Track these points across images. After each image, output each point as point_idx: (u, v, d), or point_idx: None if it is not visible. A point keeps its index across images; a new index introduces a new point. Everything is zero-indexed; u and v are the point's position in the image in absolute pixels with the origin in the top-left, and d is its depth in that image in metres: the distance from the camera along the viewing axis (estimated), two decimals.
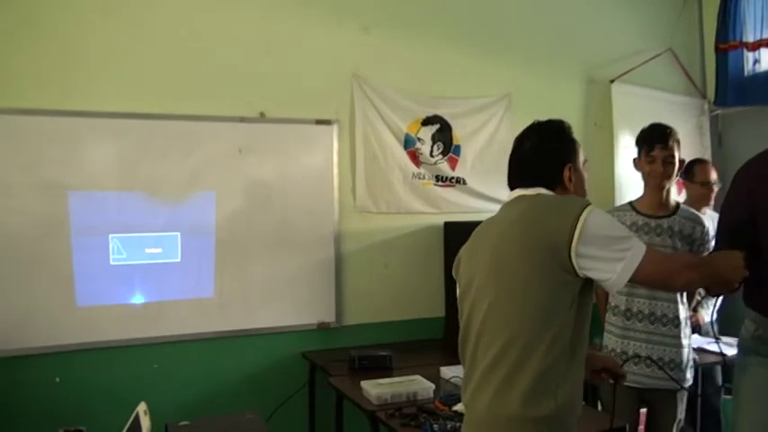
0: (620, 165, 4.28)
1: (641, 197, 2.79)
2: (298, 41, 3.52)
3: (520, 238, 1.59)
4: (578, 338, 1.57)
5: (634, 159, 2.77)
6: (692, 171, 3.48)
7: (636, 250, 1.53)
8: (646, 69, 4.37)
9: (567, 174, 1.71)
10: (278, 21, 3.49)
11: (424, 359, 3.26)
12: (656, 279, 1.62)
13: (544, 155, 1.74)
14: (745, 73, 4.33)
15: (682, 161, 2.69)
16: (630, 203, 2.79)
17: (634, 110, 4.24)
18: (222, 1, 3.39)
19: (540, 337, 1.51)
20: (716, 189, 3.46)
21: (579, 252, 1.50)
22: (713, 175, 3.47)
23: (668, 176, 2.64)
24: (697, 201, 3.39)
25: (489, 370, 1.57)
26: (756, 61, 4.29)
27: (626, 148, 4.16)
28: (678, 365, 2.62)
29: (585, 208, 1.56)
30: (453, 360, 3.13)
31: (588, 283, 1.57)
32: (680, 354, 2.63)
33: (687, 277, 1.65)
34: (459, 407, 2.40)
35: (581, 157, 1.78)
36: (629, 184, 4.13)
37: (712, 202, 3.47)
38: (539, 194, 1.69)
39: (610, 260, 1.52)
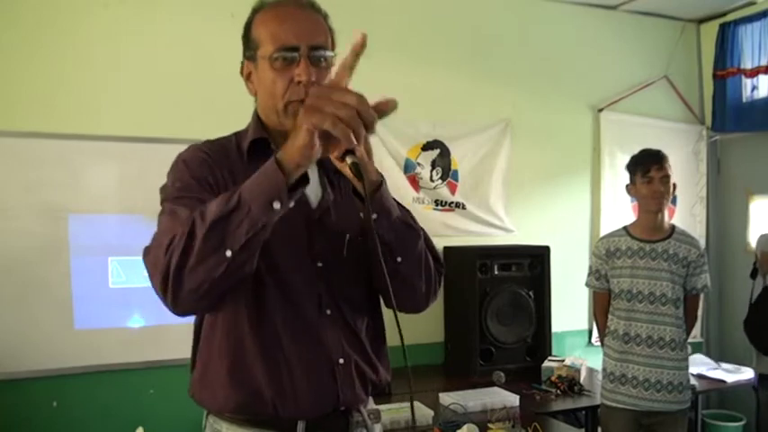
0: (607, 192, 4.34)
1: (635, 222, 2.81)
2: None
3: None
4: None
5: (627, 186, 2.79)
6: None
7: None
8: (641, 97, 4.41)
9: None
10: None
11: (423, 385, 3.23)
12: None
13: None
14: (744, 100, 4.37)
15: (674, 184, 2.73)
16: (625, 228, 2.81)
17: (625, 137, 4.25)
18: (224, 24, 3.41)
19: None
20: None
21: None
22: None
23: (666, 197, 2.68)
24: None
25: None
26: (755, 88, 4.33)
27: (615, 176, 4.19)
28: (677, 387, 2.62)
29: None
30: (453, 386, 3.14)
31: None
32: (678, 376, 2.63)
33: None
34: None
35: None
36: (613, 213, 4.25)
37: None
38: None
39: None
